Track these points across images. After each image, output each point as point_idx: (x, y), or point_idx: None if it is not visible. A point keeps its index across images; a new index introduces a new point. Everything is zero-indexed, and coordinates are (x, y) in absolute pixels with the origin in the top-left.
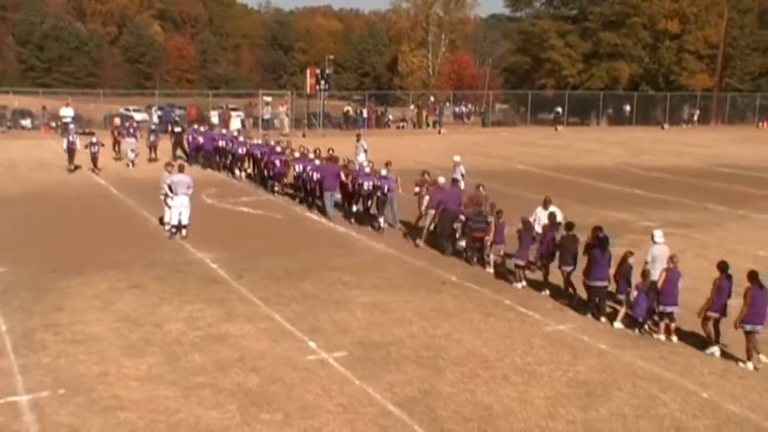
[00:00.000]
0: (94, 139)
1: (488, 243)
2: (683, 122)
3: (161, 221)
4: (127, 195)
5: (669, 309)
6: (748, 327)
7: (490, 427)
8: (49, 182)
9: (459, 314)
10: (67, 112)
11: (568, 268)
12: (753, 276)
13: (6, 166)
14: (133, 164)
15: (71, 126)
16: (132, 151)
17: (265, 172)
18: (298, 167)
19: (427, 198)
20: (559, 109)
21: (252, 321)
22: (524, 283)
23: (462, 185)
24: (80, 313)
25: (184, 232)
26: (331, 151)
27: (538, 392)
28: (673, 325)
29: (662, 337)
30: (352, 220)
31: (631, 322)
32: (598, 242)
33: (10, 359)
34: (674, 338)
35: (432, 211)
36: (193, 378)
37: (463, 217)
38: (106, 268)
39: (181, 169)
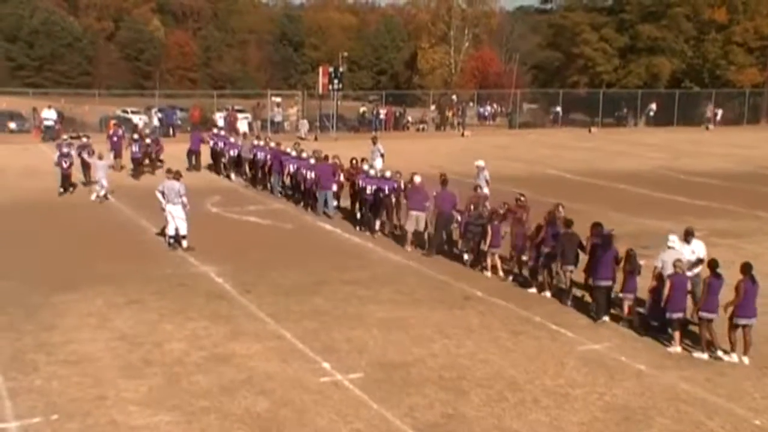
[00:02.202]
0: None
1: (484, 247)
2: (706, 122)
3: (162, 231)
4: (124, 203)
5: (675, 316)
6: (743, 321)
7: None
8: (39, 190)
9: (484, 332)
10: (49, 115)
11: (570, 268)
12: (746, 269)
13: None
14: (101, 196)
15: (64, 137)
16: (106, 171)
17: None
18: (293, 167)
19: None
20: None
21: (260, 339)
22: (677, 348)
23: (487, 192)
24: (74, 332)
25: (184, 243)
26: (354, 161)
27: (571, 417)
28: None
29: (678, 348)
30: (365, 230)
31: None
32: (599, 241)
33: None
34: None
35: (414, 213)
36: (196, 402)
37: (459, 218)
38: (101, 283)
39: (177, 176)
